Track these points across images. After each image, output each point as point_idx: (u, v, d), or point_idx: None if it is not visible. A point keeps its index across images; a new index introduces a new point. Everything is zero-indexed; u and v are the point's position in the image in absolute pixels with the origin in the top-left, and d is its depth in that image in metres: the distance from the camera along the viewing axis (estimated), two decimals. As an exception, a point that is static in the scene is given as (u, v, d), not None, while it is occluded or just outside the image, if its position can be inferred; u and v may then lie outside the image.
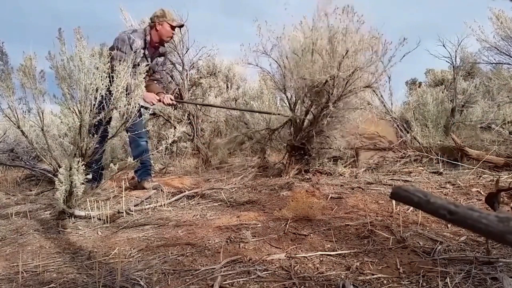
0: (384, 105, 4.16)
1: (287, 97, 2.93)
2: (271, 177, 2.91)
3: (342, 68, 2.50)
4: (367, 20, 2.49)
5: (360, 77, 2.57)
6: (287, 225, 1.68)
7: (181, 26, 3.02)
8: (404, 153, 3.33)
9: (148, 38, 2.82)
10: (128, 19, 4.08)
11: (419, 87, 5.65)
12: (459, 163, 2.71)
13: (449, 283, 1.02)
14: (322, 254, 1.31)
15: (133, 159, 2.24)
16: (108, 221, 1.95)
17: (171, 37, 2.94)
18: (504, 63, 4.00)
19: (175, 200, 2.39)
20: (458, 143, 2.92)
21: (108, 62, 2.02)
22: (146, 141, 2.99)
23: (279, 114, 3.06)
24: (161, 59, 3.04)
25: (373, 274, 1.13)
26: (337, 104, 2.67)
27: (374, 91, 4.22)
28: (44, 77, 1.99)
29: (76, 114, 1.96)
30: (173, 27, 2.84)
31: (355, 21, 2.50)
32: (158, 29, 2.81)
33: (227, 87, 5.77)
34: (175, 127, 3.28)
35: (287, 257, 1.31)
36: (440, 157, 2.91)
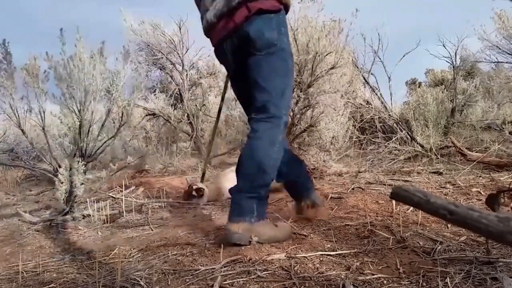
0: (384, 105, 4.17)
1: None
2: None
3: (308, 55, 2.62)
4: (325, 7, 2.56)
5: (322, 60, 2.68)
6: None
7: None
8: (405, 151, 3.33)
9: None
10: (127, 20, 4.08)
11: (419, 87, 5.65)
12: (459, 165, 2.71)
13: (449, 283, 1.02)
14: (322, 254, 1.31)
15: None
16: (108, 221, 1.95)
17: None
18: (505, 62, 4.00)
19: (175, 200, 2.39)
20: (457, 146, 2.92)
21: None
22: None
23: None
24: None
25: (373, 274, 1.13)
26: (308, 91, 2.73)
27: (373, 90, 4.23)
28: (47, 77, 2.00)
29: (76, 114, 1.97)
30: None
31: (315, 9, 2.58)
32: None
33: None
34: (175, 127, 3.29)
35: (287, 257, 1.31)
36: (440, 157, 2.91)
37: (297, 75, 2.84)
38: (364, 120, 4.21)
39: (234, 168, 2.63)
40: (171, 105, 4.85)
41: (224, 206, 2.19)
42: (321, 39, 2.67)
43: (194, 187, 2.26)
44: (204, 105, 5.01)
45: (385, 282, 1.08)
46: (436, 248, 1.28)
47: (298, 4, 2.62)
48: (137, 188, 2.89)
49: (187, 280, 1.18)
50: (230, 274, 1.19)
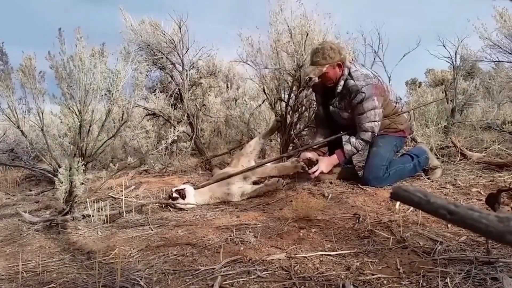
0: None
1: (267, 97, 3.07)
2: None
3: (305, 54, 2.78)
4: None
5: None
6: (287, 225, 1.68)
7: None
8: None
9: None
10: (127, 19, 4.08)
11: (419, 87, 5.64)
12: (459, 165, 2.71)
13: (449, 283, 1.02)
14: (322, 254, 1.31)
15: None
16: (108, 221, 1.95)
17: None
18: (506, 62, 3.99)
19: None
20: (457, 146, 2.91)
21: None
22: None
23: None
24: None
25: (373, 274, 1.13)
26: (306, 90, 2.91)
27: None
28: (43, 77, 2.00)
29: (76, 114, 1.96)
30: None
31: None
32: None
33: (227, 87, 5.77)
34: (174, 127, 3.28)
35: (287, 257, 1.31)
36: (441, 157, 2.91)
37: (295, 74, 2.85)
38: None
39: (225, 170, 2.62)
40: (171, 105, 4.84)
41: (224, 207, 2.19)
42: (318, 37, 2.71)
43: (174, 188, 2.25)
44: (204, 105, 5.01)
45: (385, 282, 1.08)
46: (436, 248, 1.27)
47: (296, 1, 2.70)
48: (137, 188, 2.89)
49: (187, 280, 1.18)
50: (230, 274, 1.19)
